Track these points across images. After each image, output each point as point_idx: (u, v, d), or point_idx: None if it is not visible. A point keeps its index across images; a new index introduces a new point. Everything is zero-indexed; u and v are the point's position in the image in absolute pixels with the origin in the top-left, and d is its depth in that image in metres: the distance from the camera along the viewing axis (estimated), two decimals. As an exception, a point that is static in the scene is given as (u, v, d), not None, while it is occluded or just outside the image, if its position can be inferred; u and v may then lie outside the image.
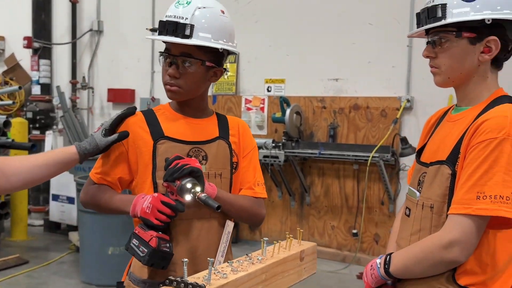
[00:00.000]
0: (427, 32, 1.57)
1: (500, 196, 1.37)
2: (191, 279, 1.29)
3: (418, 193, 1.58)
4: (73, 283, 4.77)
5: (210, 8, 1.78)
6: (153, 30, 1.81)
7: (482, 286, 1.45)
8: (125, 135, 1.78)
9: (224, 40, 1.79)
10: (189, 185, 1.62)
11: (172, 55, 1.77)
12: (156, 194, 1.68)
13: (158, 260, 1.63)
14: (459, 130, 1.51)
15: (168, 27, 1.74)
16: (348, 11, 5.65)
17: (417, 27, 1.59)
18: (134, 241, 1.66)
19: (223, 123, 1.92)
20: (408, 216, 1.61)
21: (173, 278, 1.28)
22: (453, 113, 1.62)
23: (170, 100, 1.89)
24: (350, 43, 5.63)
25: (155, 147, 1.78)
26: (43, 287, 4.67)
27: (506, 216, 1.37)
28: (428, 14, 1.53)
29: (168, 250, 1.65)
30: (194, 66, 1.76)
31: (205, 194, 1.63)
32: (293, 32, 5.94)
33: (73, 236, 5.86)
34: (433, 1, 1.53)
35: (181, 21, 1.73)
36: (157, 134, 1.80)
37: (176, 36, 1.73)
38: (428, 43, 1.58)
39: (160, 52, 1.82)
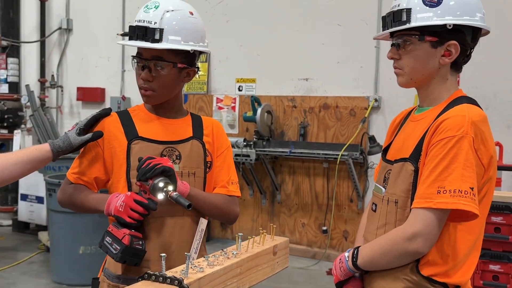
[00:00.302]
0: (392, 34, 1.65)
1: (459, 190, 1.45)
2: (169, 273, 1.34)
3: (383, 189, 1.66)
4: (43, 283, 4.74)
5: (178, 10, 1.81)
6: (124, 34, 1.84)
7: (444, 276, 1.53)
8: (99, 135, 1.81)
9: (195, 41, 1.83)
10: (161, 184, 1.66)
11: (144, 59, 1.81)
12: (129, 193, 1.72)
13: (131, 257, 1.67)
14: (421, 129, 1.59)
15: (138, 32, 1.78)
16: (317, 12, 5.75)
17: (383, 30, 1.67)
18: (108, 238, 1.70)
19: (197, 123, 1.96)
20: (375, 211, 1.69)
21: (151, 273, 1.33)
22: (415, 113, 1.70)
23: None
24: (319, 44, 5.73)
25: (129, 147, 1.82)
26: (13, 287, 4.63)
27: (464, 209, 1.45)
28: (393, 18, 1.61)
29: (141, 247, 1.69)
30: (166, 68, 1.81)
31: (176, 193, 1.67)
32: (264, 32, 6.01)
33: (43, 236, 5.81)
34: (398, 5, 1.61)
35: (151, 25, 1.77)
36: (131, 134, 1.84)
37: (146, 40, 1.77)
38: (392, 45, 1.66)
39: (132, 56, 1.86)
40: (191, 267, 1.41)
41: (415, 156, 1.56)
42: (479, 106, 1.60)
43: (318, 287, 4.85)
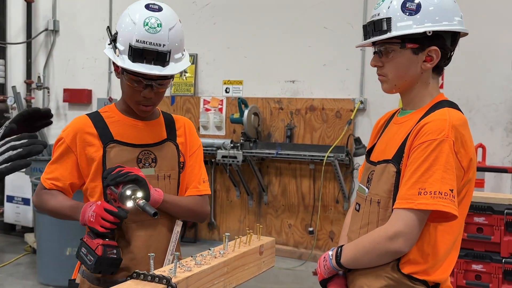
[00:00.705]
0: (374, 43, 1.70)
1: (439, 192, 1.50)
2: (157, 273, 1.37)
3: (367, 190, 1.71)
4: (30, 285, 4.73)
5: (176, 25, 1.79)
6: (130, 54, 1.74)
7: (423, 274, 1.58)
8: None
9: (184, 50, 1.86)
10: (128, 192, 1.67)
11: (148, 79, 1.77)
12: (99, 202, 1.72)
13: (106, 267, 1.69)
14: (404, 131, 1.64)
15: (147, 56, 1.71)
16: (304, 15, 5.80)
17: (365, 39, 1.71)
18: (83, 249, 1.71)
19: (170, 124, 1.97)
20: (358, 211, 1.73)
21: (140, 272, 1.36)
22: (399, 116, 1.75)
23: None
24: (306, 46, 5.79)
25: (105, 151, 1.81)
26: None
27: (444, 210, 1.50)
28: (374, 27, 1.65)
29: (115, 256, 1.70)
30: (166, 84, 1.82)
31: (143, 201, 1.67)
32: (251, 34, 6.05)
33: (29, 238, 5.78)
34: (378, 14, 1.65)
35: (160, 48, 1.72)
36: (106, 138, 1.83)
37: (156, 64, 1.72)
38: (375, 53, 1.70)
39: (129, 73, 1.77)
40: (179, 267, 1.44)
41: (398, 158, 1.61)
42: (460, 110, 1.65)
43: (302, 286, 4.89)
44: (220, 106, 6.27)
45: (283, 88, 5.97)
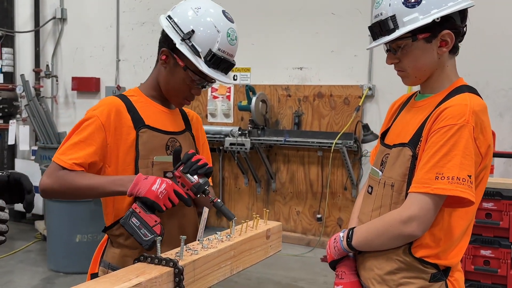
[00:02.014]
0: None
1: (457, 177, 1.49)
2: (164, 256, 1.38)
3: (380, 173, 1.69)
4: (40, 271, 4.78)
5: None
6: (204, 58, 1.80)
7: (435, 257, 1.58)
8: None
9: None
10: (207, 188, 1.74)
11: (208, 82, 1.86)
12: (170, 181, 1.69)
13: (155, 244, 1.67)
14: (422, 115, 1.62)
15: (222, 64, 1.82)
16: (311, 1, 5.76)
17: (373, 39, 1.67)
18: (134, 220, 1.65)
19: (184, 115, 2.03)
20: (370, 193, 1.73)
21: (147, 255, 1.37)
22: (416, 100, 1.73)
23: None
24: (314, 33, 5.75)
25: (137, 135, 1.80)
26: (10, 276, 4.67)
27: (461, 196, 1.49)
28: (380, 28, 1.62)
29: (163, 236, 1.68)
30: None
31: (220, 200, 1.74)
32: (258, 21, 6.02)
33: (40, 225, 5.84)
34: (381, 14, 1.61)
35: (231, 59, 1.85)
36: (138, 122, 1.82)
37: (223, 71, 1.84)
38: (387, 51, 1.68)
39: (201, 79, 1.83)
40: (186, 250, 1.45)
41: (414, 142, 1.59)
42: (479, 95, 1.63)
43: (312, 274, 4.91)
44: (228, 94, 6.26)
45: (291, 75, 5.94)
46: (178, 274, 1.32)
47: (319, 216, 5.77)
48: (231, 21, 1.85)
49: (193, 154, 1.76)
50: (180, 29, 1.78)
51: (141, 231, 1.64)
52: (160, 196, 1.65)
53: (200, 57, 1.76)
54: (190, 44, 1.76)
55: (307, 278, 4.82)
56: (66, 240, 4.71)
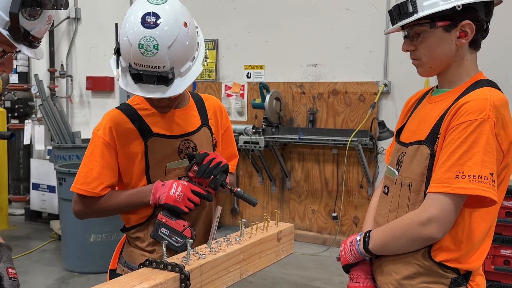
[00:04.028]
0: (403, 27, 1.60)
1: (479, 175, 1.41)
2: (170, 260, 1.33)
3: (397, 172, 1.62)
4: (55, 271, 4.79)
5: (177, 38, 1.59)
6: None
7: (456, 262, 1.51)
8: None
9: (195, 54, 1.70)
10: (223, 181, 1.74)
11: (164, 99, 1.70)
12: (185, 183, 1.72)
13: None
14: (439, 111, 1.55)
15: (148, 78, 1.60)
16: (326, -4, 5.68)
17: (392, 24, 1.62)
18: (164, 230, 1.70)
19: (201, 106, 1.93)
20: (387, 194, 1.66)
21: (152, 259, 1.33)
22: (433, 95, 1.66)
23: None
24: (328, 29, 5.67)
25: (146, 146, 1.77)
26: (26, 276, 4.68)
27: (484, 195, 1.41)
28: (399, 11, 1.56)
29: (194, 237, 1.74)
30: (178, 97, 1.76)
31: (240, 189, 1.76)
32: (272, 18, 5.96)
33: (55, 225, 5.86)
34: None
35: (160, 70, 1.59)
36: (145, 132, 1.77)
37: (159, 83, 1.60)
38: (405, 37, 1.61)
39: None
40: (193, 254, 1.40)
41: (431, 139, 1.52)
42: (500, 90, 1.55)
43: (328, 273, 4.85)
44: (241, 92, 6.21)
45: (305, 72, 5.87)
46: (185, 279, 1.27)
47: (334, 214, 5.70)
48: (150, 27, 1.56)
49: (204, 156, 1.73)
50: (117, 42, 1.66)
51: (173, 238, 1.69)
52: (178, 199, 1.69)
53: (127, 72, 1.62)
54: (118, 58, 1.64)
55: (322, 277, 4.76)
56: (81, 240, 4.71)
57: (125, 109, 1.81)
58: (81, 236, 4.72)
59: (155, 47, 1.56)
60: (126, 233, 1.88)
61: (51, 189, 6.30)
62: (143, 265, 1.33)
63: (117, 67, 1.64)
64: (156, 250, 1.78)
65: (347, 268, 1.68)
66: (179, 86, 1.64)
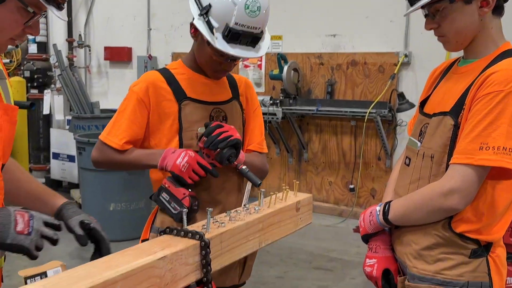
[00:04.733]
0: (423, 6, 1.56)
1: (504, 147, 1.39)
2: (190, 228, 1.34)
3: (419, 143, 1.61)
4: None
5: (269, 5, 1.77)
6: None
7: (476, 233, 1.50)
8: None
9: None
10: (230, 157, 1.73)
11: (237, 58, 1.79)
12: (192, 154, 1.73)
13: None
14: (465, 82, 1.52)
15: (243, 39, 1.72)
16: (346, -35, 5.57)
17: (411, 5, 1.57)
18: (164, 195, 1.73)
19: (232, 82, 1.98)
20: (408, 165, 1.64)
21: (172, 227, 1.34)
22: (459, 65, 1.62)
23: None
24: (348, -2, 5.58)
25: (180, 108, 1.82)
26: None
27: (508, 167, 1.39)
28: None
29: (196, 208, 1.74)
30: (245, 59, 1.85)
31: (245, 166, 1.75)
32: (291, -13, 5.87)
33: (75, 194, 5.95)
34: None
35: (255, 31, 1.73)
36: (180, 95, 1.83)
37: (249, 45, 1.75)
38: (426, 15, 1.57)
39: (221, 53, 1.76)
40: (213, 222, 1.41)
41: (456, 110, 1.50)
42: None
43: (345, 244, 4.87)
44: (259, 63, 6.17)
45: (324, 42, 5.80)
46: (205, 247, 1.29)
47: (351, 186, 5.70)
48: None
49: (215, 127, 1.74)
50: (200, 2, 1.74)
51: (171, 205, 1.71)
52: (183, 169, 1.70)
53: (213, 33, 1.71)
54: (206, 20, 1.71)
55: (339, 248, 4.79)
56: (100, 209, 4.78)
57: (163, 72, 1.89)
58: (101, 205, 4.79)
59: (258, 8, 1.72)
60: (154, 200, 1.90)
61: (71, 158, 6.38)
62: (164, 232, 1.34)
63: (209, 29, 1.72)
64: None
65: (366, 238, 1.68)
66: (263, 49, 1.79)
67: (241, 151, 1.82)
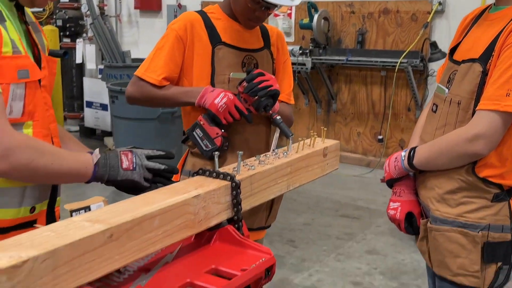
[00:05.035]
0: None
1: None
2: (221, 170, 1.41)
3: (447, 90, 1.62)
4: (109, 187, 5.04)
5: None
6: None
7: (499, 178, 1.53)
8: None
9: None
10: (267, 106, 1.77)
11: (273, 5, 1.80)
12: (231, 96, 1.77)
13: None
14: (496, 29, 1.52)
15: None
16: None
17: None
18: (198, 131, 1.79)
19: (264, 32, 2.00)
20: (435, 112, 1.66)
21: (205, 169, 1.41)
22: (490, 12, 1.61)
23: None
24: None
25: (213, 51, 1.85)
26: (82, 188, 4.96)
27: None
28: None
29: (226, 148, 1.81)
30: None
31: (279, 117, 1.77)
32: None
33: (108, 141, 6.12)
34: None
35: None
36: (215, 38, 1.86)
37: None
38: None
39: (260, 2, 1.79)
40: (243, 165, 1.47)
41: (485, 57, 1.50)
42: None
43: (372, 194, 4.94)
44: (289, 11, 6.09)
45: (356, -10, 5.69)
46: (236, 187, 1.35)
47: (380, 137, 5.71)
48: None
49: (257, 75, 1.77)
50: None
51: (203, 142, 1.77)
52: (220, 109, 1.75)
53: None
54: None
55: (366, 198, 4.86)
56: (133, 156, 4.91)
57: (201, 13, 1.91)
58: (133, 152, 4.92)
59: None
60: (186, 143, 1.96)
61: (103, 107, 6.52)
62: (197, 173, 1.41)
63: None
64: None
65: (391, 183, 1.73)
66: (297, 2, 1.81)
67: (276, 103, 1.85)
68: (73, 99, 7.23)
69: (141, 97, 1.88)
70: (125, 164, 1.41)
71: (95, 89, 6.64)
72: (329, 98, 6.00)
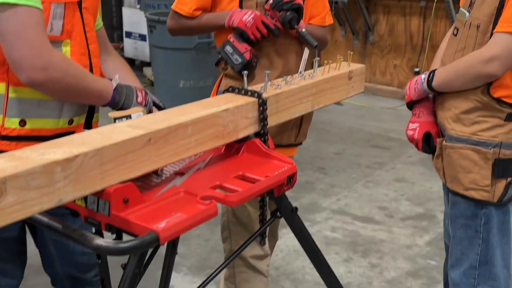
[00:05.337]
0: None
1: None
2: (249, 88, 1.53)
3: (467, 14, 1.66)
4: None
5: None
6: None
7: None
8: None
9: None
10: (292, 20, 1.84)
11: None
12: (259, 13, 1.86)
13: (246, 69, 1.85)
14: None
15: None
16: None
17: None
18: (228, 48, 1.90)
19: None
20: (455, 35, 1.71)
21: (235, 86, 1.53)
22: None
23: None
24: None
25: None
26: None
27: None
28: None
29: (255, 64, 1.91)
30: None
31: (305, 29, 1.86)
32: None
33: (147, 71, 6.28)
34: None
35: None
36: None
37: None
38: None
39: None
40: (270, 85, 1.58)
41: None
42: None
43: (404, 125, 4.94)
44: None
45: None
46: (262, 104, 1.47)
47: (417, 70, 5.65)
48: None
49: None
50: None
51: (234, 56, 1.88)
52: (248, 24, 1.84)
53: None
54: None
55: (398, 129, 4.90)
56: (171, 85, 5.07)
57: None
58: (171, 82, 5.08)
59: None
60: (220, 66, 2.06)
61: (142, 37, 6.62)
62: (227, 91, 1.53)
63: None
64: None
65: (411, 105, 1.82)
66: None
67: (302, 21, 1.91)
68: (113, 29, 7.35)
69: (178, 29, 2.03)
70: (140, 98, 1.59)
71: (134, 19, 6.72)
72: (366, 29, 5.94)
